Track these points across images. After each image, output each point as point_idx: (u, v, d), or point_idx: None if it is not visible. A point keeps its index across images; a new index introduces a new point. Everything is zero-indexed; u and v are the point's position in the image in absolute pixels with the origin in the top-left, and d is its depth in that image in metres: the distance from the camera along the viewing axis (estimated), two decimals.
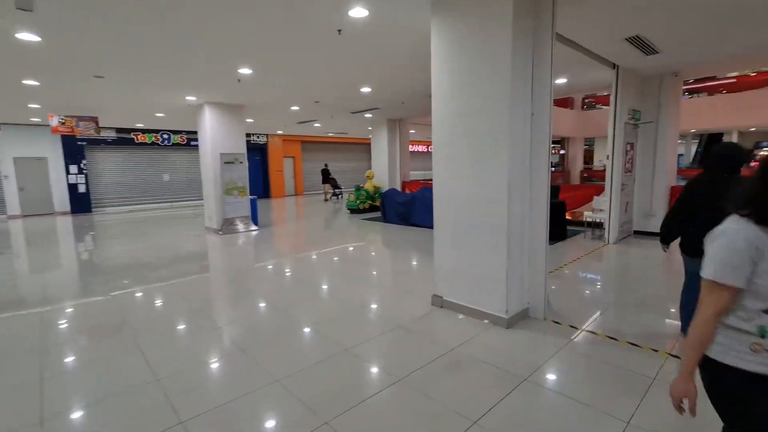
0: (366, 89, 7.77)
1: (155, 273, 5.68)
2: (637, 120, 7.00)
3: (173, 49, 4.93)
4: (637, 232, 7.46)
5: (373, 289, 4.75)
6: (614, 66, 6.31)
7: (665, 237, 3.15)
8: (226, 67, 5.89)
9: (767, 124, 18.09)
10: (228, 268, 6.05)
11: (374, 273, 5.51)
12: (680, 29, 4.63)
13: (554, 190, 7.71)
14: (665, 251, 3.22)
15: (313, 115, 11.82)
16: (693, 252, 3.06)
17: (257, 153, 18.20)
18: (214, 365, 3.00)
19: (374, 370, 2.88)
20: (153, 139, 14.85)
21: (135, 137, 14.41)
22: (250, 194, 9.81)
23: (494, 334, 3.34)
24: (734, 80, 19.29)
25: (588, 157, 24.77)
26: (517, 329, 3.44)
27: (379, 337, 3.39)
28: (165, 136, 15.10)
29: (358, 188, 12.20)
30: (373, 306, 4.17)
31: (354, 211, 11.91)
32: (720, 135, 22.77)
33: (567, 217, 7.86)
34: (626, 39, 4.89)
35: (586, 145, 24.46)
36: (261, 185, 18.38)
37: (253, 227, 9.36)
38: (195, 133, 14.74)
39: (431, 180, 4.00)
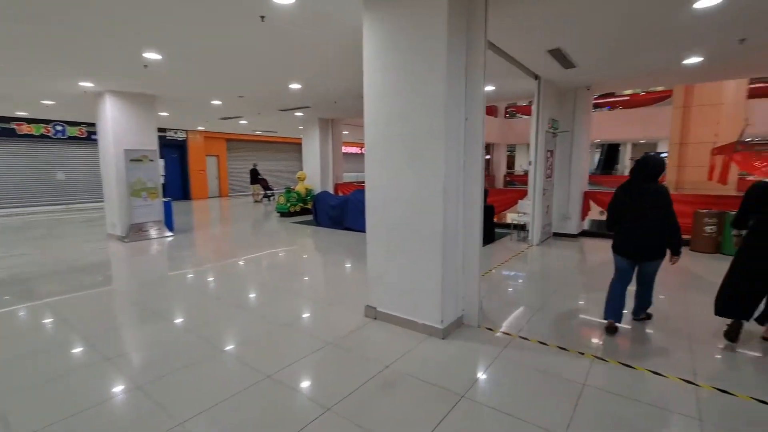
0: (295, 86, 7.33)
1: (33, 289, 4.70)
2: (556, 129, 7.47)
3: (60, 23, 4.10)
4: (556, 234, 7.96)
5: (301, 301, 4.38)
6: (536, 77, 6.64)
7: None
8: (128, 50, 5.09)
9: (654, 136, 20.86)
10: (130, 282, 5.24)
11: (304, 282, 5.13)
12: (594, 47, 4.94)
13: (484, 194, 7.93)
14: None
15: (238, 111, 10.99)
16: (619, 251, 3.44)
17: (175, 150, 16.56)
18: (97, 416, 2.44)
19: (300, 399, 2.54)
20: (42, 130, 12.73)
21: (17, 128, 12.23)
22: (166, 196, 8.78)
23: (430, 347, 3.20)
24: (628, 98, 21.96)
25: (510, 163, 26.54)
26: (453, 339, 3.33)
27: (307, 357, 3.06)
28: (58, 127, 13.04)
29: (289, 190, 11.60)
30: (302, 321, 3.81)
31: (284, 214, 11.30)
32: (617, 145, 25.84)
33: (494, 219, 8.15)
34: (548, 51, 5.11)
35: (508, 151, 26.20)
36: (179, 186, 16.76)
37: (168, 233, 8.37)
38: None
39: (365, 182, 3.77)
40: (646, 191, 3.30)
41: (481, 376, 2.78)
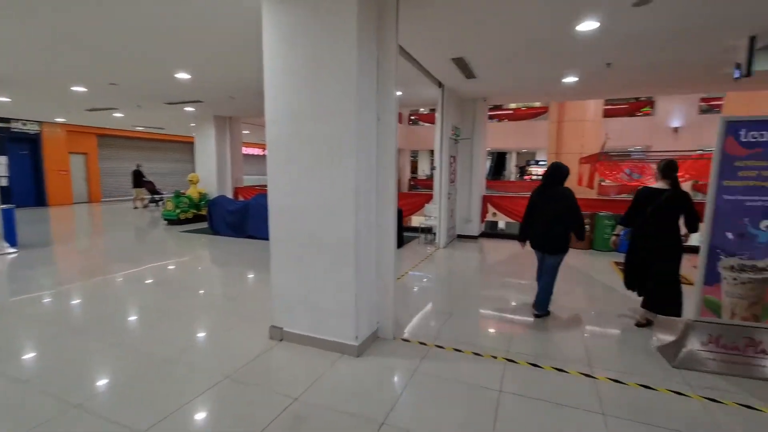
0: (183, 75, 6.41)
1: None
2: (458, 136, 7.83)
3: None
4: (460, 236, 8.35)
5: (192, 327, 3.72)
6: (440, 85, 6.86)
7: (521, 235, 4.09)
8: None
9: (534, 146, 23.71)
10: None
11: (195, 302, 4.41)
12: (493, 59, 5.22)
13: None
14: (522, 247, 4.12)
15: (110, 102, 9.33)
16: (533, 245, 4.01)
17: (24, 146, 13.53)
18: None
19: None
20: None
21: None
22: (9, 202, 6.96)
23: (344, 368, 2.91)
24: (512, 112, 24.62)
25: (414, 168, 27.69)
26: (368, 356, 3.09)
27: (197, 400, 2.52)
28: None
29: (179, 195, 10.24)
30: (192, 352, 3.20)
31: (173, 221, 9.93)
32: (504, 154, 28.85)
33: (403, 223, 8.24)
34: (453, 59, 5.26)
35: (412, 157, 27.34)
36: (31, 190, 13.74)
37: (9, 249, 6.64)
38: None
39: (267, 186, 3.33)
40: (553, 193, 3.80)
41: (401, 395, 2.58)
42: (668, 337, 3.40)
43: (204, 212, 9.99)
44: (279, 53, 3.02)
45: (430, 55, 5.18)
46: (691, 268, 3.94)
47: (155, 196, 14.32)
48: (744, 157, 2.78)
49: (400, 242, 7.52)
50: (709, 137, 15.16)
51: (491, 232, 9.41)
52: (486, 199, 8.67)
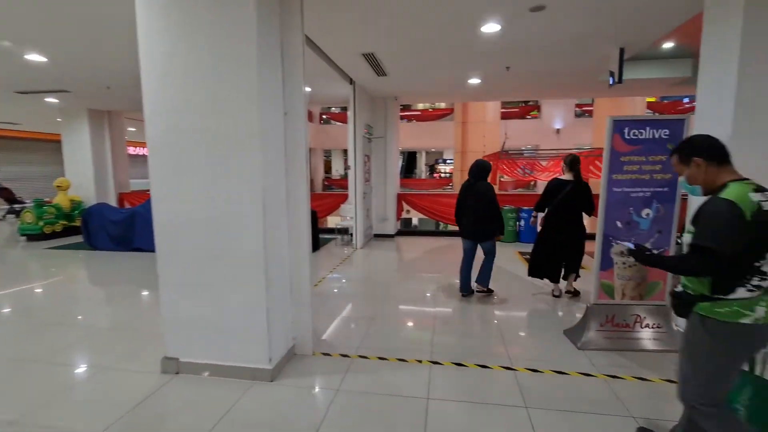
0: (35, 57, 5.21)
1: None
2: (371, 134, 7.73)
3: None
4: (377, 235, 8.28)
5: (61, 369, 2.96)
6: (352, 81, 6.67)
7: (458, 226, 4.49)
8: None
9: (442, 146, 25.01)
10: None
11: (65, 337, 3.56)
12: (403, 56, 5.19)
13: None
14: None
15: None
16: (463, 234, 4.42)
17: None
18: None
19: None
20: None
21: None
22: None
23: (257, 397, 2.54)
24: (420, 113, 25.65)
25: (327, 167, 27.24)
26: (284, 379, 2.75)
27: None
28: None
29: (41, 204, 8.47)
30: (60, 403, 2.52)
31: (35, 237, 8.18)
32: (415, 153, 29.99)
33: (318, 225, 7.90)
34: (363, 54, 5.10)
35: (325, 156, 26.86)
36: None
37: None
38: None
39: (151, 193, 2.76)
40: (475, 188, 4.21)
41: (324, 420, 2.31)
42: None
43: (78, 223, 8.40)
44: (161, 32, 2.51)
45: (340, 49, 4.95)
46: (587, 256, 4.35)
47: (14, 206, 11.77)
48: (628, 153, 3.07)
49: (316, 245, 7.18)
50: (583, 137, 17.51)
51: (406, 229, 9.56)
52: (401, 198, 8.75)
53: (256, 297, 2.63)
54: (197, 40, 2.48)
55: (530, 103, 23.06)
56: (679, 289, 1.70)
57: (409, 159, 29.97)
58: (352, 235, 7.36)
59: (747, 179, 1.59)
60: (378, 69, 5.78)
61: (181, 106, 2.55)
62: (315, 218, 7.36)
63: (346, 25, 4.12)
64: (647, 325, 3.25)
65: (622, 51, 4.91)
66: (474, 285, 4.48)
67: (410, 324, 3.87)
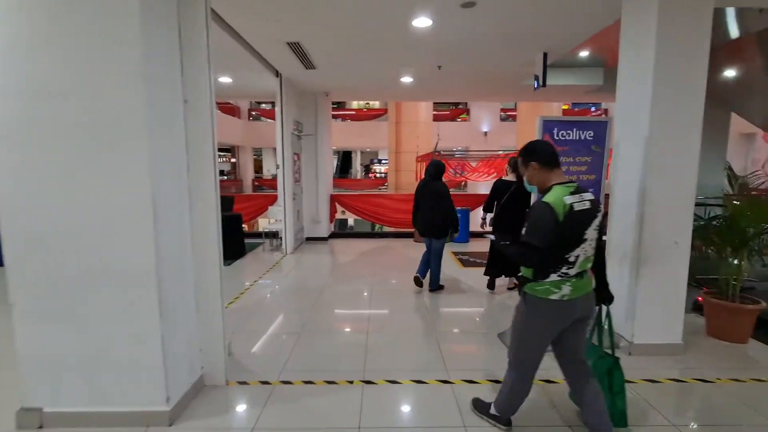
0: None
1: None
2: (300, 132, 7.27)
3: None
4: (309, 239, 7.84)
5: None
6: (278, 74, 6.18)
7: (414, 224, 4.78)
8: None
9: (377, 146, 24.97)
10: None
11: None
12: (330, 47, 4.86)
13: (228, 201, 6.89)
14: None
15: None
16: (422, 233, 4.56)
17: None
18: None
19: None
20: None
21: None
22: None
23: None
24: (354, 112, 25.42)
25: (258, 167, 25.80)
26: (188, 421, 2.29)
27: None
28: None
29: None
30: None
31: None
32: (350, 152, 29.68)
33: (244, 229, 7.26)
34: (288, 44, 4.67)
35: (255, 155, 25.43)
36: None
37: None
38: None
39: None
40: (429, 187, 4.38)
41: None
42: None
43: None
44: None
45: (262, 36, 4.48)
46: None
47: None
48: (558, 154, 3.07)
49: (241, 252, 6.57)
50: (508, 140, 18.54)
51: (341, 231, 9.24)
52: (334, 199, 8.39)
53: (147, 324, 2.13)
54: (55, 13, 1.93)
55: (460, 106, 23.95)
56: (521, 273, 2.01)
57: (345, 159, 29.58)
58: (281, 239, 6.84)
59: (570, 182, 1.88)
60: (306, 61, 5.38)
61: (35, 87, 1.97)
62: (239, 222, 6.73)
63: (266, 9, 3.69)
64: None
65: (545, 56, 5.07)
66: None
67: (342, 336, 3.57)
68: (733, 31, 4.71)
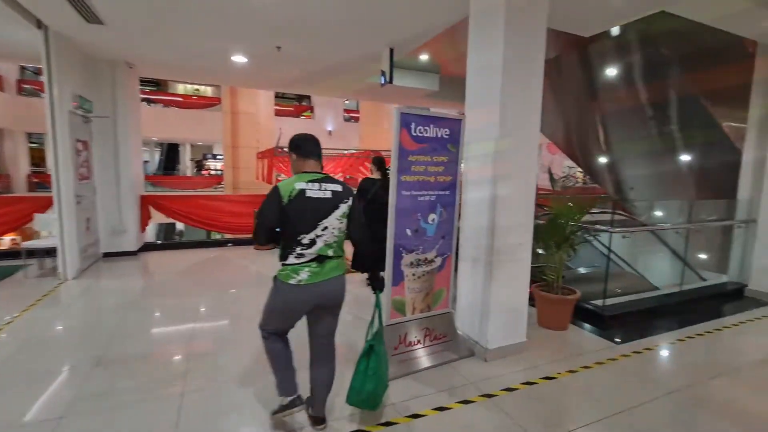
0: None
1: None
2: (87, 111, 5.35)
3: None
4: (108, 255, 5.92)
5: None
6: (40, 24, 4.32)
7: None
8: None
9: (210, 139, 22.04)
10: None
11: None
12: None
13: None
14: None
15: None
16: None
17: None
18: None
19: None
20: None
21: None
22: None
23: None
24: (181, 99, 21.91)
25: (39, 158, 19.52)
26: None
27: None
28: None
29: None
30: None
31: None
32: (177, 145, 25.44)
33: None
34: None
35: (33, 141, 19.15)
36: None
37: None
38: None
39: None
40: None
41: None
42: None
43: None
44: None
45: None
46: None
47: None
48: (415, 152, 2.74)
49: None
50: (352, 140, 18.84)
51: (160, 242, 7.45)
52: (147, 201, 6.60)
53: None
54: None
55: (304, 103, 23.27)
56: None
57: (170, 152, 25.19)
58: (58, 258, 4.87)
59: (314, 172, 2.03)
60: (85, 10, 3.83)
61: None
62: None
63: None
64: (435, 338, 3.05)
65: (392, 51, 4.87)
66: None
67: (139, 410, 2.48)
68: None
